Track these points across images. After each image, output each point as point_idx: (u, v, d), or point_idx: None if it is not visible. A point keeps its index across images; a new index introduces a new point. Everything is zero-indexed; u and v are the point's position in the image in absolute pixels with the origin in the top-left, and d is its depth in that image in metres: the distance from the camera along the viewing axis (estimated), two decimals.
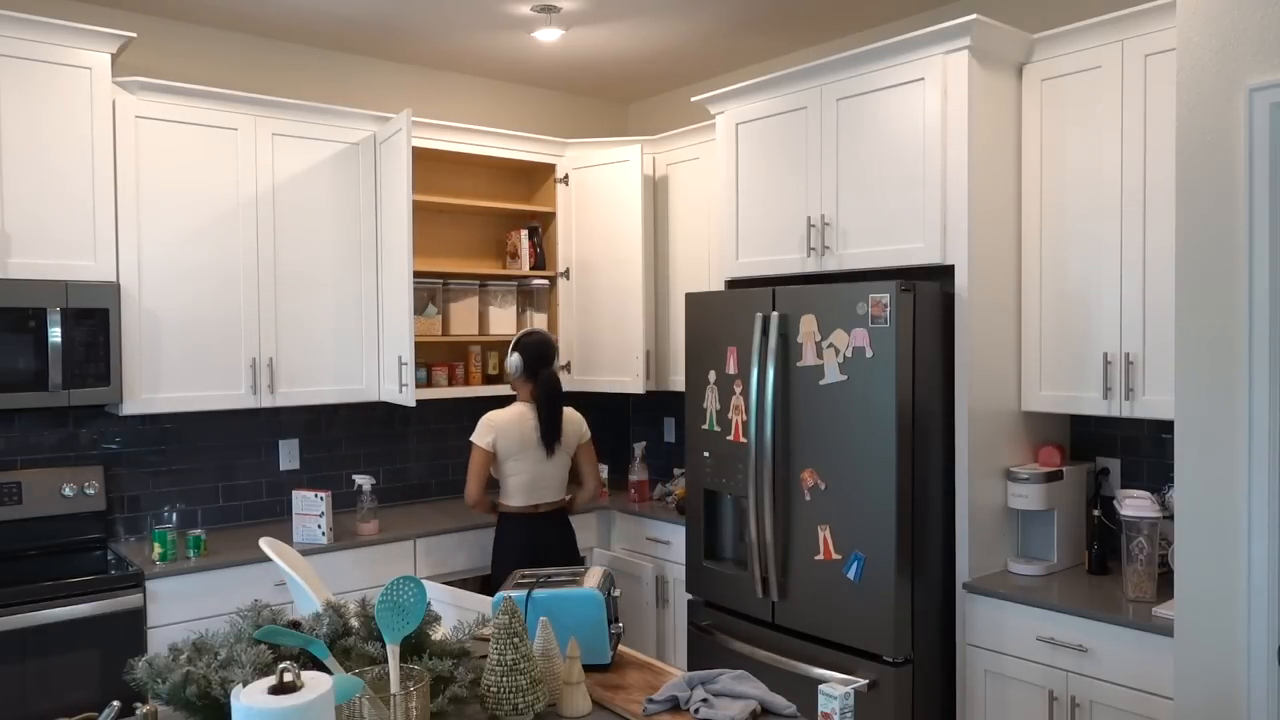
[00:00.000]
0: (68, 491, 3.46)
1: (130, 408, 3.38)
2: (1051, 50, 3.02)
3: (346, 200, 3.89)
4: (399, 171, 3.69)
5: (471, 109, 4.67)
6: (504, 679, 1.80)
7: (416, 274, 4.09)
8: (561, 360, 4.58)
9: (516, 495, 3.61)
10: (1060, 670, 2.76)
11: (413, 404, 3.66)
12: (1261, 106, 2.19)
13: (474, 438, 3.59)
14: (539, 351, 3.65)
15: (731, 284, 3.79)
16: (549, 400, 3.61)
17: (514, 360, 3.66)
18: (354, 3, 3.65)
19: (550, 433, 3.60)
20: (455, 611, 2.41)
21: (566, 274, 4.53)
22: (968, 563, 3.01)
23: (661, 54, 4.32)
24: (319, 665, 1.68)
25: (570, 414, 3.71)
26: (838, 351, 3.02)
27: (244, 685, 1.46)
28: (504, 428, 3.58)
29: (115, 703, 1.61)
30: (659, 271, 4.44)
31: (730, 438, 3.41)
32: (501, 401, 4.72)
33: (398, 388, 3.74)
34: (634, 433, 5.15)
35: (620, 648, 2.28)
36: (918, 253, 3.08)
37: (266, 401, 3.68)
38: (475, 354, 4.46)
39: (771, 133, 3.56)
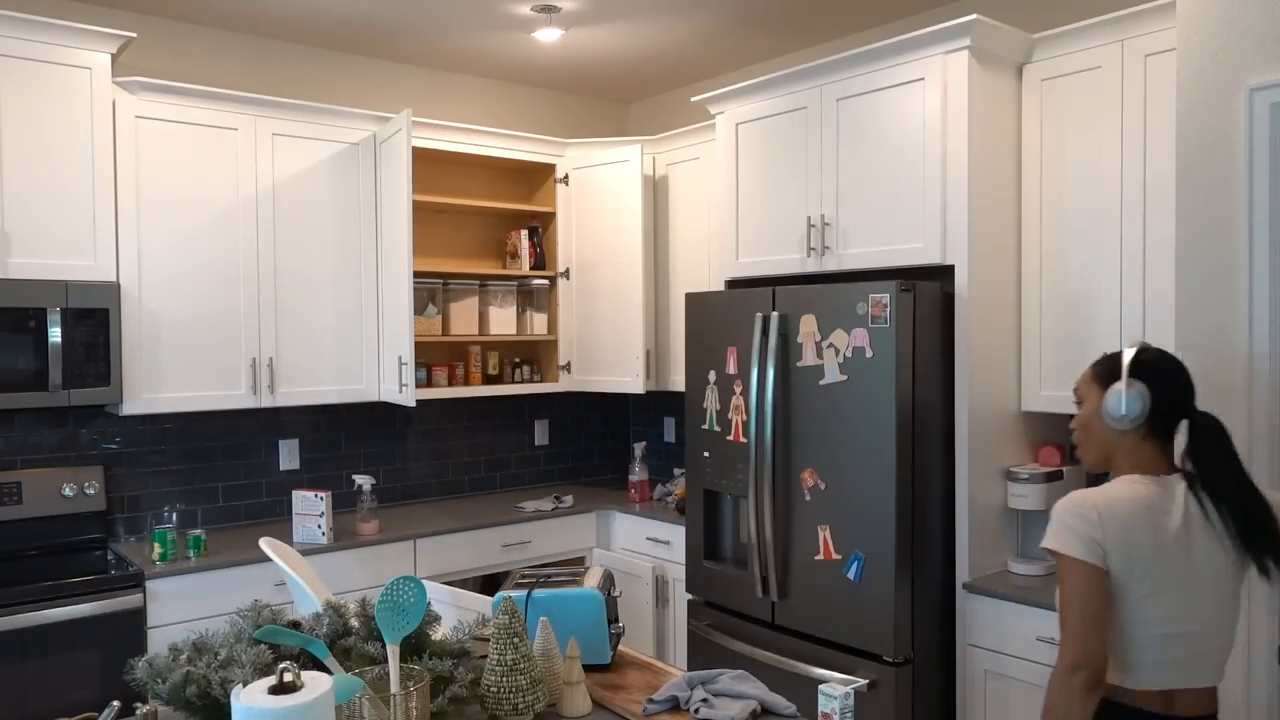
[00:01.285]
0: (68, 491, 3.46)
1: (130, 408, 3.38)
2: (1051, 50, 3.02)
3: (346, 200, 3.89)
4: (399, 171, 3.69)
5: (471, 109, 4.67)
6: (504, 679, 1.80)
7: (416, 274, 4.09)
8: (561, 360, 4.57)
9: (1153, 671, 1.76)
10: None
11: (413, 404, 3.66)
12: (1261, 106, 2.20)
13: (1068, 548, 1.76)
14: (1171, 380, 1.81)
15: (731, 284, 3.79)
16: (1210, 465, 1.78)
17: (1129, 398, 1.78)
18: (354, 3, 3.65)
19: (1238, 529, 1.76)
20: (455, 611, 2.41)
21: (566, 274, 4.52)
22: (968, 563, 3.00)
23: (661, 54, 4.32)
24: (319, 665, 1.68)
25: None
26: (838, 351, 3.01)
27: (244, 685, 1.46)
28: (1118, 520, 1.74)
29: (115, 703, 1.62)
30: (659, 271, 4.43)
31: (730, 438, 3.41)
32: (504, 401, 4.74)
33: (398, 388, 3.74)
34: (634, 433, 5.15)
35: (620, 648, 2.28)
36: (917, 253, 3.08)
37: (266, 401, 3.67)
38: (475, 354, 4.46)
39: (771, 133, 3.55)
